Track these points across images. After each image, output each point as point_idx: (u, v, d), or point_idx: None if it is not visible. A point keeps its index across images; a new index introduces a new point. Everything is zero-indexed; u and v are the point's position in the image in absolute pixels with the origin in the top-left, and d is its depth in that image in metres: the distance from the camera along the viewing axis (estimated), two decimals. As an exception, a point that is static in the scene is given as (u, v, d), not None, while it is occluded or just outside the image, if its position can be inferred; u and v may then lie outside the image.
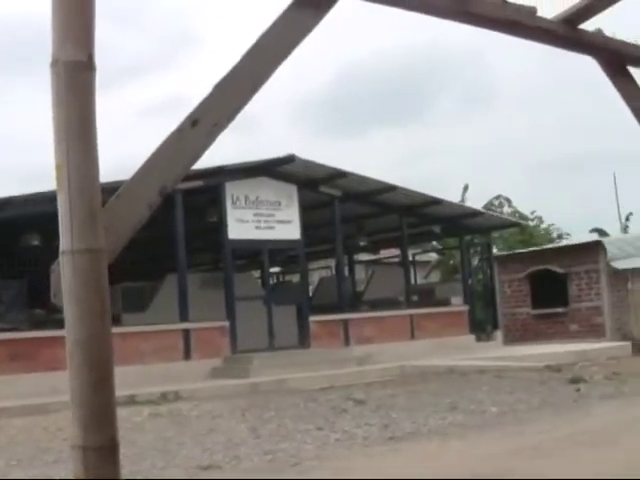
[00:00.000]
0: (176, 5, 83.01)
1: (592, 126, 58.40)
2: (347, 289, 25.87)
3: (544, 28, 4.38)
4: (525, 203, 42.50)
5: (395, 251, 31.34)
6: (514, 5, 4.22)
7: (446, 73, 74.08)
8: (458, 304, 26.90)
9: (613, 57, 4.84)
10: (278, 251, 25.84)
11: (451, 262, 35.79)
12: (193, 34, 74.42)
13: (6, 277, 19.93)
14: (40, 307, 19.31)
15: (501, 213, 35.94)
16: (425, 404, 13.95)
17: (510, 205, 38.72)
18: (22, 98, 71.30)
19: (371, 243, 29.41)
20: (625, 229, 38.57)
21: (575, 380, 16.06)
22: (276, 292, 25.32)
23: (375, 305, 25.73)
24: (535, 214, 38.77)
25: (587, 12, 4.43)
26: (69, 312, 2.52)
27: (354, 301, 26.59)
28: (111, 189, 2.92)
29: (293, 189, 22.48)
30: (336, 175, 22.56)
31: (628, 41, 4.85)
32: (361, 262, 34.82)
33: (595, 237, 33.27)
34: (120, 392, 11.74)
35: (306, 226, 22.88)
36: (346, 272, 28.34)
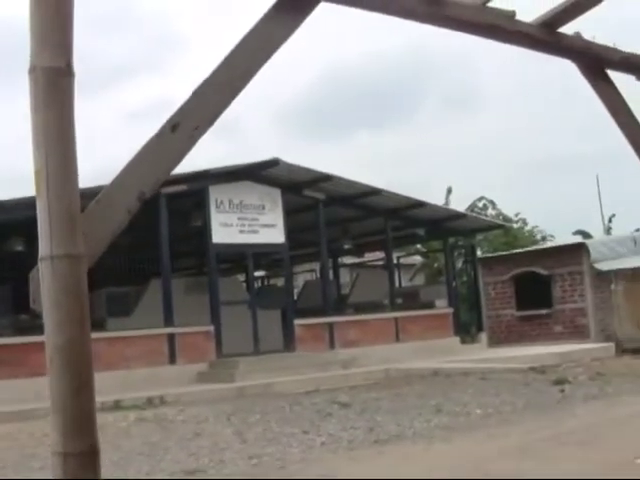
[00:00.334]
0: (163, 8, 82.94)
1: (576, 128, 58.62)
2: (332, 292, 25.88)
3: (523, 32, 4.40)
4: (509, 205, 42.60)
5: (380, 254, 31.38)
6: (493, 9, 4.24)
7: (430, 76, 74.34)
8: (443, 307, 26.95)
9: (592, 61, 4.87)
10: (262, 255, 25.84)
11: (435, 265, 35.83)
12: (180, 38, 74.33)
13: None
14: (25, 313, 19.22)
15: (485, 215, 36.01)
16: (410, 407, 13.97)
17: (494, 207, 38.80)
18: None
19: (356, 246, 29.46)
20: (608, 231, 38.71)
21: (559, 381, 16.12)
22: (261, 296, 25.30)
23: (360, 308, 25.74)
24: (519, 216, 38.91)
25: (566, 16, 4.45)
26: (48, 318, 2.52)
27: (339, 304, 26.57)
28: (91, 194, 2.92)
29: (277, 193, 22.47)
30: (320, 178, 22.56)
31: (607, 45, 4.88)
32: (346, 265, 34.85)
33: (579, 239, 33.38)
34: (106, 397, 11.65)
35: (290, 230, 22.88)
36: (331, 275, 28.38)
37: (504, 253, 30.81)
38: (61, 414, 2.51)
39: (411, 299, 27.58)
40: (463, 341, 26.37)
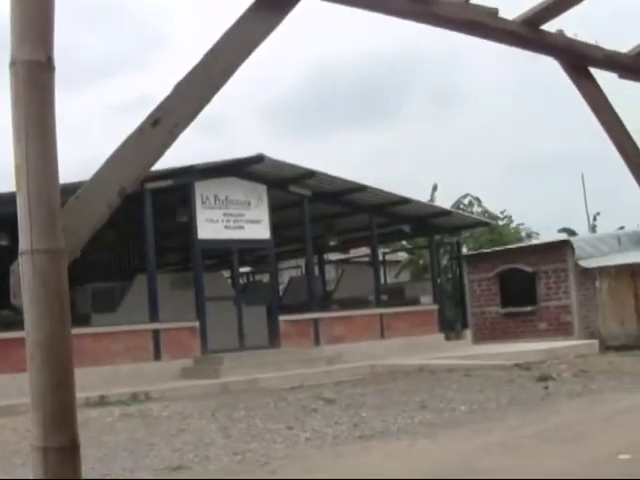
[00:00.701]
0: (149, 7, 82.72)
1: (561, 126, 58.84)
2: (317, 288, 25.90)
3: (506, 29, 4.41)
4: (495, 203, 42.76)
5: (365, 250, 31.40)
6: (476, 6, 4.25)
7: (416, 73, 74.45)
8: (428, 303, 26.97)
9: (575, 58, 4.88)
10: (248, 251, 25.83)
11: (421, 261, 35.90)
12: (164, 34, 74.14)
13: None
14: (7, 308, 19.11)
15: (471, 212, 36.06)
16: (395, 403, 14.01)
17: (480, 205, 38.85)
18: None
19: (341, 242, 29.44)
20: (593, 229, 38.89)
21: (543, 378, 16.19)
22: (246, 292, 25.33)
23: (345, 304, 25.76)
24: (505, 213, 38.99)
25: (548, 13, 4.46)
26: (29, 313, 2.52)
27: (324, 300, 26.59)
28: (72, 189, 2.92)
29: (263, 189, 22.45)
30: (306, 175, 22.55)
31: (590, 42, 4.90)
32: (331, 262, 34.86)
33: (564, 236, 33.49)
34: (90, 393, 11.63)
35: (276, 226, 22.87)
36: (316, 271, 28.37)
37: (489, 250, 30.89)
38: (41, 409, 2.51)
39: (396, 295, 27.62)
40: (448, 338, 26.41)
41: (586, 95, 4.92)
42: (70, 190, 2.89)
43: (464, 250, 32.41)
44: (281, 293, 28.11)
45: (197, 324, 20.66)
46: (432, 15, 4.11)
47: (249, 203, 22.11)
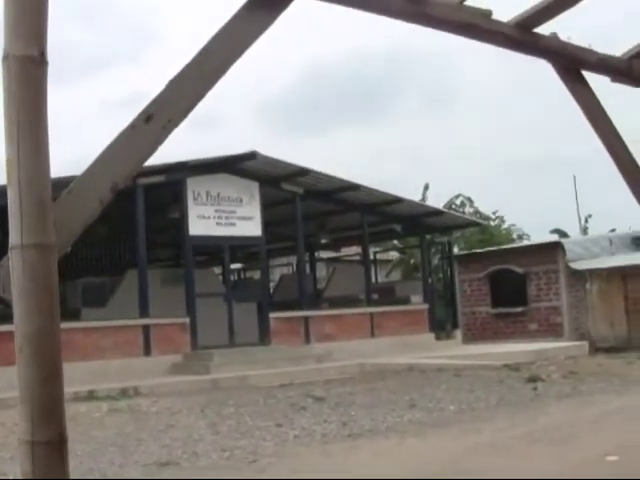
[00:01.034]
0: (141, 2, 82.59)
1: (554, 128, 58.93)
2: (308, 286, 25.88)
3: (499, 31, 4.42)
4: (487, 203, 42.84)
5: (356, 249, 31.41)
6: (470, 7, 4.26)
7: (410, 74, 74.45)
8: (418, 303, 27.01)
9: (568, 62, 4.89)
10: (239, 248, 25.83)
11: (412, 261, 35.90)
12: (159, 30, 74.03)
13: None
14: (-1, 302, 19.09)
15: (463, 213, 36.09)
16: (384, 402, 14.02)
17: (472, 205, 38.88)
18: None
19: (332, 241, 29.43)
20: (585, 230, 39.00)
21: (533, 379, 16.22)
22: (237, 289, 25.30)
23: (336, 303, 25.77)
24: (497, 214, 39.04)
25: (542, 16, 4.47)
26: (18, 307, 2.52)
27: (315, 298, 26.59)
28: (64, 184, 2.92)
29: (255, 186, 22.44)
30: (298, 172, 22.55)
31: (583, 46, 4.91)
32: (322, 260, 34.85)
33: (555, 238, 33.56)
34: (80, 387, 11.62)
35: (267, 223, 22.88)
36: (307, 269, 28.39)
37: (480, 250, 30.94)
38: (29, 403, 2.51)
39: (387, 295, 27.66)
40: (438, 337, 26.43)
41: (579, 98, 4.93)
42: (62, 184, 2.88)
43: (455, 250, 32.44)
44: (272, 290, 28.10)
45: (187, 320, 20.65)
46: (426, 16, 4.11)
47: (241, 200, 22.09)
